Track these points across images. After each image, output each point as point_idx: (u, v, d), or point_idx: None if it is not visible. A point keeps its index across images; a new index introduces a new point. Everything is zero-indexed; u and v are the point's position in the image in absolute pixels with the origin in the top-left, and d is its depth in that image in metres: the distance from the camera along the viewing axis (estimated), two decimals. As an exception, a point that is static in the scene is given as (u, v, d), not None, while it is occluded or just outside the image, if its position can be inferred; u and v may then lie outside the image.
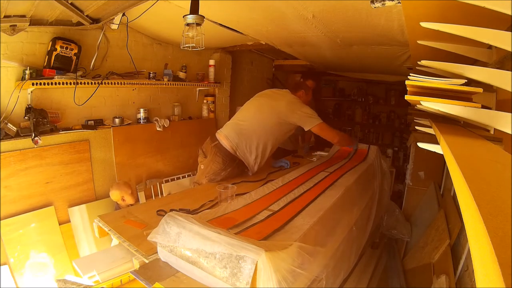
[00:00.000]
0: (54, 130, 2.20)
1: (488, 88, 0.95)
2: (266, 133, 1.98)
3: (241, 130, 1.97)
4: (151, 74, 2.77)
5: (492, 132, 1.01)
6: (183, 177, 3.16)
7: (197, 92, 3.44)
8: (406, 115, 4.04)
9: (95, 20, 2.18)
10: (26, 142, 2.04)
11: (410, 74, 0.92)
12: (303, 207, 1.27)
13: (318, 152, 2.61)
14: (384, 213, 2.40)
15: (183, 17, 1.65)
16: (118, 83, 2.45)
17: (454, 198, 1.89)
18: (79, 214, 2.35)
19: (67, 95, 2.28)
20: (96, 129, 2.46)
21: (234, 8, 2.03)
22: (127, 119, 2.75)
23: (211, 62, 3.38)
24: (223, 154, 1.92)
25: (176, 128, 3.13)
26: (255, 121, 2.00)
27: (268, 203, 1.32)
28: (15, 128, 2.00)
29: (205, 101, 3.54)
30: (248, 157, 1.95)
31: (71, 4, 1.90)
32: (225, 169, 1.91)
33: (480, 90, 0.75)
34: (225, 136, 1.97)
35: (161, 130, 2.95)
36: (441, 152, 0.76)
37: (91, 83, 2.27)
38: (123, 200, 2.36)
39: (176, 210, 1.30)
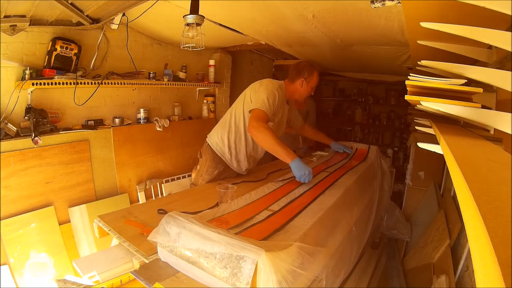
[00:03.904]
0: (54, 130, 2.20)
1: (488, 88, 0.95)
2: (236, 123, 1.88)
3: (219, 124, 1.95)
4: (151, 74, 2.77)
5: (492, 132, 1.01)
6: (183, 177, 3.16)
7: (197, 92, 3.44)
8: (406, 115, 4.03)
9: (95, 20, 2.18)
10: (26, 142, 2.04)
11: (410, 74, 0.92)
12: (303, 207, 1.27)
13: (318, 152, 2.61)
14: (384, 213, 2.40)
15: (183, 17, 1.65)
16: (118, 83, 2.45)
17: (454, 198, 1.89)
18: (79, 214, 2.35)
19: (67, 95, 2.28)
20: (96, 129, 2.46)
21: (234, 8, 2.03)
22: (127, 119, 2.75)
23: (211, 62, 3.38)
24: (213, 152, 1.91)
25: (176, 128, 3.13)
26: (228, 113, 1.94)
27: (268, 203, 1.32)
28: (15, 128, 2.00)
29: (205, 101, 3.54)
30: (224, 151, 1.88)
31: (71, 4, 1.90)
32: (216, 167, 1.89)
33: (480, 90, 0.75)
34: (210, 134, 1.97)
35: (161, 130, 2.95)
36: (441, 152, 0.76)
37: (91, 83, 2.27)
38: None
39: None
